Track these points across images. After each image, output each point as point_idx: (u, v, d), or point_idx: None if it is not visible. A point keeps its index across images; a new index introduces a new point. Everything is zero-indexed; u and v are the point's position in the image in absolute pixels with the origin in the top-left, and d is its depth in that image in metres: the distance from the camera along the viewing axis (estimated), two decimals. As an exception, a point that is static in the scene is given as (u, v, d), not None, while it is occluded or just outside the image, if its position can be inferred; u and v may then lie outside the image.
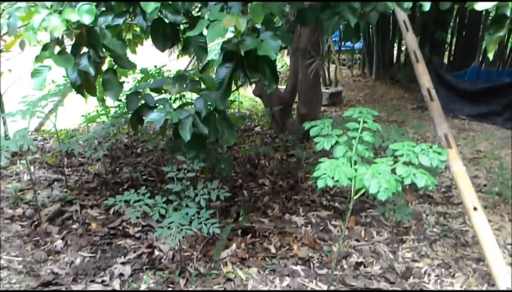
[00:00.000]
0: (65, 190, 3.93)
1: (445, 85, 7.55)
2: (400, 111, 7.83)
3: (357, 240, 3.12)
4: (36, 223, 3.31)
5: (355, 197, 2.06)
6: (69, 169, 4.53)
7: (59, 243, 3.07)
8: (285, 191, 3.97)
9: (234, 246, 3.01)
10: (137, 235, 3.20)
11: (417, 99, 8.33)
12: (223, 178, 3.72)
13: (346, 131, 2.27)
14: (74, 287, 2.55)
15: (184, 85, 2.64)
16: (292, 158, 4.90)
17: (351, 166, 2.01)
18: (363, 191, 2.00)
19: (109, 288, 2.58)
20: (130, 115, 3.67)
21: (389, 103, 8.50)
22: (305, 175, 4.35)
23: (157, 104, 2.77)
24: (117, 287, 2.59)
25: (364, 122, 2.25)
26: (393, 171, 1.98)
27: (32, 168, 4.50)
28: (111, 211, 3.59)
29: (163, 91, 2.79)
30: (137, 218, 2.50)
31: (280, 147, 5.15)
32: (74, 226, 3.33)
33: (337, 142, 2.15)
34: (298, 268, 2.79)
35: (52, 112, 3.94)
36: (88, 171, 4.52)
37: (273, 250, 3.00)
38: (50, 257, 2.93)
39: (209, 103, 2.59)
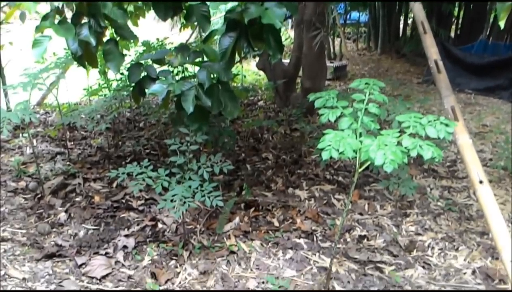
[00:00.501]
0: (67, 163, 3.93)
1: (452, 59, 7.45)
2: (405, 86, 7.77)
3: (361, 214, 3.11)
4: (39, 196, 3.31)
5: (360, 170, 2.03)
6: (72, 143, 4.52)
7: (62, 216, 3.07)
8: (288, 165, 3.95)
9: (237, 219, 3.00)
10: (140, 208, 3.19)
11: (423, 74, 8.25)
12: (226, 152, 3.70)
13: (351, 103, 2.23)
14: (78, 259, 2.56)
15: (187, 57, 2.59)
16: (295, 132, 4.87)
17: (356, 138, 1.98)
18: (368, 163, 1.97)
19: (113, 260, 2.58)
20: (132, 88, 3.65)
21: (394, 77, 8.42)
22: (308, 149, 4.32)
23: (159, 76, 2.73)
24: (121, 259, 2.60)
25: (370, 94, 2.20)
26: (399, 143, 1.94)
27: (34, 141, 4.49)
28: (114, 184, 3.59)
29: (165, 63, 2.73)
30: (140, 190, 2.49)
31: (283, 121, 5.12)
32: (77, 199, 3.33)
33: (342, 114, 2.11)
34: (301, 241, 2.78)
35: (54, 85, 3.90)
36: (90, 144, 4.50)
37: (276, 224, 2.99)
38: (54, 230, 2.93)
39: (212, 75, 2.55)
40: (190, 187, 2.42)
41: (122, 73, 4.06)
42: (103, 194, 3.42)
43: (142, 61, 2.84)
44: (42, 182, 3.45)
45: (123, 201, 3.31)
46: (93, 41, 2.48)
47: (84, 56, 2.64)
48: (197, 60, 2.60)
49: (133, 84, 2.77)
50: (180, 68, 3.23)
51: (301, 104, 5.15)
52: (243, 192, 3.34)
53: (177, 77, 2.82)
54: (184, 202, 2.29)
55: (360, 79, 2.27)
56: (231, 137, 3.42)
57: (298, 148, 4.38)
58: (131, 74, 2.72)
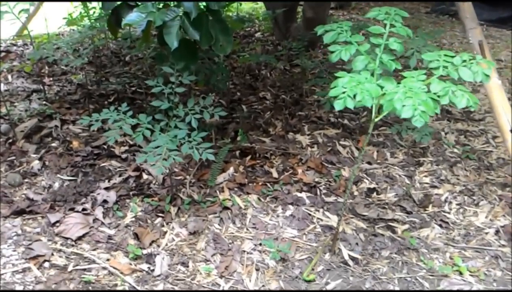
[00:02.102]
0: (44, 102, 3.55)
1: (463, -12, 6.88)
2: (413, 16, 7.26)
3: (369, 163, 2.80)
4: (11, 140, 2.97)
5: (377, 119, 1.69)
6: (50, 79, 4.12)
7: (35, 164, 2.74)
8: (288, 106, 3.59)
9: (231, 169, 2.68)
10: (124, 155, 2.86)
11: (432, 3, 7.74)
12: (220, 91, 3.33)
13: (367, 37, 1.85)
14: (51, 216, 2.26)
15: None
16: (296, 68, 4.46)
17: (374, 82, 1.61)
18: (386, 112, 1.62)
19: (91, 218, 2.28)
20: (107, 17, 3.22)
21: (400, 6, 7.87)
22: (310, 87, 3.95)
23: (138, 3, 2.30)
24: (100, 216, 2.30)
25: (392, 26, 1.81)
26: (427, 88, 1.59)
27: (9, 76, 4.08)
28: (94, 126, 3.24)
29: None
30: (116, 141, 2.15)
31: (283, 56, 4.69)
32: (53, 144, 2.99)
33: (357, 51, 1.73)
34: (303, 195, 2.48)
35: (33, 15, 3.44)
36: (71, 81, 4.10)
37: (275, 174, 2.68)
38: (26, 180, 2.61)
39: (200, 2, 2.13)
40: (175, 136, 2.08)
41: None
42: (83, 139, 3.08)
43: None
44: (15, 124, 3.10)
45: (105, 147, 2.97)
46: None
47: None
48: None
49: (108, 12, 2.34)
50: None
51: (302, 36, 4.71)
52: (238, 138, 3.01)
53: (160, 5, 2.39)
54: (169, 156, 1.95)
55: (379, 8, 1.87)
56: (224, 74, 3.03)
57: (299, 86, 4.00)
58: (106, 2, 2.29)
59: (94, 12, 3.72)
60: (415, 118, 1.38)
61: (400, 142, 3.03)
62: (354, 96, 1.48)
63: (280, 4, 5.12)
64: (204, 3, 2.13)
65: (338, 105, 1.45)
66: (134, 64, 4.38)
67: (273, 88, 4.02)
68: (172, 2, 2.37)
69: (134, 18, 2.04)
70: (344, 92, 1.47)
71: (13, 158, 2.81)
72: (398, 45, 1.76)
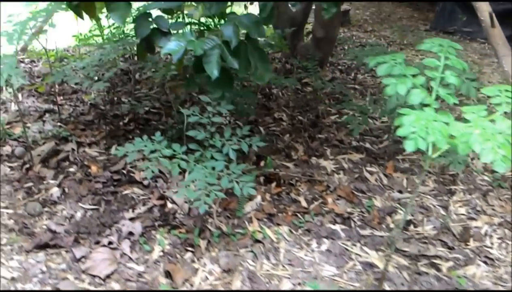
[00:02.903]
0: (58, 123, 3.44)
1: (463, 5, 6.93)
2: (413, 33, 7.27)
3: (400, 191, 2.72)
4: (28, 165, 2.85)
5: (435, 155, 1.60)
6: (61, 98, 4.01)
7: (55, 191, 2.63)
8: (306, 128, 3.51)
9: (258, 198, 2.59)
10: (145, 182, 2.76)
11: (430, 20, 7.78)
12: (245, 116, 3.25)
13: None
14: (76, 251, 2.14)
15: (210, 7, 2.08)
16: (307, 86, 4.39)
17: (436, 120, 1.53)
18: (442, 150, 1.53)
19: (118, 252, 2.17)
20: (129, 37, 3.14)
21: (398, 24, 7.90)
22: (326, 108, 3.88)
23: (170, 29, 2.23)
24: (127, 251, 2.19)
25: (446, 58, 1.74)
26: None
27: (20, 96, 3.97)
28: (112, 150, 3.13)
29: (180, 13, 2.23)
30: (142, 159, 2.05)
31: (291, 74, 4.63)
32: (71, 169, 2.88)
33: (413, 85, 1.65)
34: (337, 227, 2.39)
35: (41, 32, 3.34)
36: (82, 100, 4.00)
37: (304, 203, 2.59)
38: (46, 209, 2.50)
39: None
40: (213, 168, 1.98)
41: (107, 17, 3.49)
42: (101, 163, 2.97)
43: (149, 11, 2.31)
44: (30, 146, 2.98)
45: (124, 172, 2.87)
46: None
47: (81, 4, 2.12)
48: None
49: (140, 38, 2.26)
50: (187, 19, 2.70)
51: (312, 55, 4.66)
52: (263, 163, 2.91)
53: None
54: (210, 191, 1.85)
55: (432, 40, 1.80)
56: (252, 100, 2.94)
57: (314, 106, 3.94)
58: (139, 27, 2.21)
59: (111, 32, 3.63)
60: (497, 163, 1.30)
61: (428, 169, 2.95)
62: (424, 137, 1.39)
63: (288, 23, 5.06)
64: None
65: (409, 147, 1.37)
66: (144, 83, 4.29)
67: (287, 108, 3.95)
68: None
69: (173, 47, 1.95)
70: (413, 132, 1.38)
71: (31, 184, 2.70)
72: (455, 79, 1.69)
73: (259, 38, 2.08)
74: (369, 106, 3.32)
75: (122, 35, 3.62)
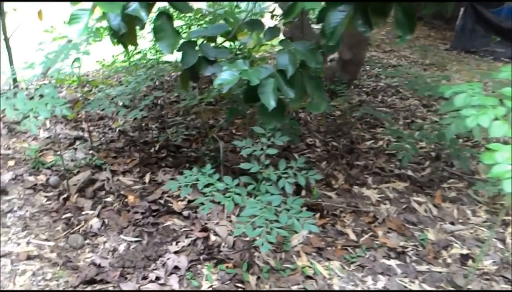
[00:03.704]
0: (90, 151, 3.39)
1: (484, 23, 6.88)
2: (434, 53, 7.20)
3: (452, 223, 2.62)
4: (65, 195, 2.79)
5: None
6: (89, 124, 3.97)
7: (95, 223, 2.56)
8: (343, 154, 3.43)
9: (304, 231, 2.50)
10: (185, 212, 2.69)
11: (449, 39, 7.72)
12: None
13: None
14: (124, 286, 2.07)
15: (263, 35, 2.03)
16: (335, 109, 4.31)
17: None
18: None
19: (167, 288, 2.09)
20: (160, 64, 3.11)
21: (417, 43, 7.83)
22: (360, 133, 3.80)
23: (217, 58, 2.18)
24: (176, 286, 2.11)
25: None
26: None
27: (47, 122, 3.93)
28: (147, 179, 3.07)
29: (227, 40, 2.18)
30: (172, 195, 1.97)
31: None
32: (108, 199, 2.82)
33: (495, 117, 1.57)
34: (392, 263, 2.29)
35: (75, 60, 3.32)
36: (110, 126, 3.96)
37: (352, 236, 2.50)
38: (87, 241, 2.43)
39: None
40: (270, 203, 1.91)
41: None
42: (137, 192, 2.91)
43: (194, 38, 2.26)
44: (65, 176, 2.93)
45: (162, 201, 2.80)
46: (144, 16, 1.91)
47: (127, 34, 2.08)
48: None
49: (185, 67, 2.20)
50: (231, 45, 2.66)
51: (339, 78, 4.61)
52: (303, 192, 2.84)
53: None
54: (271, 229, 1.77)
55: (509, 67, 1.73)
56: (295, 128, 2.87)
57: (346, 131, 3.86)
58: (186, 56, 2.16)
59: (144, 59, 3.60)
60: None
61: (476, 198, 2.86)
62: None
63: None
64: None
65: (509, 187, 1.29)
66: (170, 108, 4.24)
67: (319, 133, 3.87)
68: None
69: (227, 77, 1.89)
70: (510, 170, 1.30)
71: (69, 215, 2.64)
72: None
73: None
74: (404, 131, 3.24)
75: (152, 61, 3.58)
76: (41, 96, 2.45)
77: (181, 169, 3.19)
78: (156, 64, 3.36)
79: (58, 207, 2.70)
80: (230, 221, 2.60)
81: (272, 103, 1.89)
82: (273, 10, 4.52)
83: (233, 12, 3.86)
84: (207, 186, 1.95)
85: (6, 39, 4.20)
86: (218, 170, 2.97)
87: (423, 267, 2.26)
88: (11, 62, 4.30)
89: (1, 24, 4.07)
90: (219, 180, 1.99)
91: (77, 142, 3.57)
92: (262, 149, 2.03)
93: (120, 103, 3.35)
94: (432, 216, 2.67)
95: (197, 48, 2.21)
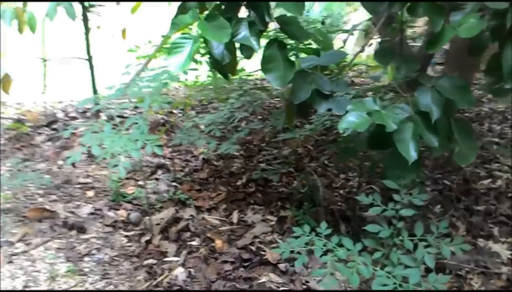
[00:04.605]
0: (173, 183, 3.13)
1: None
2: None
3: None
4: (148, 237, 2.52)
5: None
6: (170, 149, 3.73)
7: (180, 273, 2.26)
8: (458, 196, 2.94)
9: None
10: (281, 265, 2.33)
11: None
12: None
13: None
14: None
15: (403, 69, 1.65)
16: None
17: None
18: None
19: None
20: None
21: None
22: (474, 170, 3.29)
23: (333, 92, 1.81)
24: None
25: None
26: None
27: (127, 147, 3.73)
28: (234, 219, 2.76)
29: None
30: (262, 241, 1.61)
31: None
32: (193, 243, 2.52)
33: None
34: None
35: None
36: (193, 153, 3.69)
37: (488, 308, 2.03)
38: (172, 297, 2.13)
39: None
40: (405, 279, 1.50)
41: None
42: (224, 235, 2.60)
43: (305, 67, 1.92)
44: (147, 212, 2.67)
45: (253, 248, 2.47)
46: (255, 45, 1.59)
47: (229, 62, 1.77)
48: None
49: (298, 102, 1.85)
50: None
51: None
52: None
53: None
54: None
55: None
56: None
57: (456, 166, 3.35)
58: (298, 90, 1.81)
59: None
60: None
61: None
62: None
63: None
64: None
65: None
66: (255, 133, 3.93)
67: (424, 167, 3.39)
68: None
69: (354, 119, 1.52)
70: None
71: (152, 261, 2.36)
72: None
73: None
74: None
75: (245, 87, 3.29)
76: (127, 129, 2.21)
77: (272, 207, 2.86)
78: (249, 89, 3.05)
79: (140, 251, 2.43)
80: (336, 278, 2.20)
81: (413, 155, 1.49)
82: (367, 27, 4.11)
83: (324, 32, 3.49)
84: (325, 253, 1.58)
85: (90, 58, 4.08)
86: (317, 214, 2.60)
87: None
88: (93, 83, 4.18)
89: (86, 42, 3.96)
90: (339, 244, 1.61)
91: (159, 171, 3.32)
92: (395, 209, 1.63)
93: (204, 131, 3.07)
94: None
95: (309, 79, 1.85)
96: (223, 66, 1.84)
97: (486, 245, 2.47)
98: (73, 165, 3.52)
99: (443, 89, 1.55)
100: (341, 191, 3.09)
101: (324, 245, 1.60)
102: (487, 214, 2.77)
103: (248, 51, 1.76)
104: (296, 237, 1.67)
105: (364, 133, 1.67)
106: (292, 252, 1.64)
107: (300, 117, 2.00)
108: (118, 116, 2.37)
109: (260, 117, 3.84)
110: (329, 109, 1.83)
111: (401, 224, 1.62)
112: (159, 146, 2.01)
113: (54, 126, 4.24)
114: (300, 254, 1.59)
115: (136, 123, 2.23)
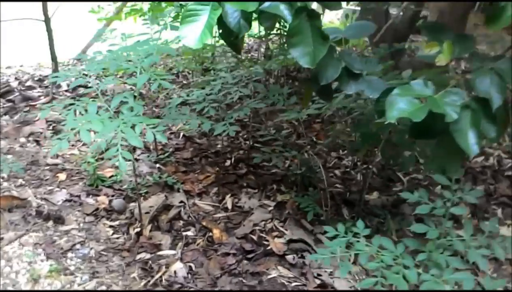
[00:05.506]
0: (157, 165, 2.86)
1: None
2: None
3: None
4: (138, 228, 2.27)
5: None
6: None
7: (179, 269, 2.03)
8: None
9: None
10: (288, 256, 2.15)
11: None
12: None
13: None
14: None
15: (462, 47, 1.45)
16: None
17: None
18: None
19: None
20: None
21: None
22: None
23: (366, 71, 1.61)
24: None
25: None
26: None
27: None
28: (228, 203, 2.55)
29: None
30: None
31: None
32: (188, 233, 2.29)
33: None
34: None
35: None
36: (170, 128, 3.41)
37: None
38: (177, 297, 1.91)
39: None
40: (457, 284, 1.35)
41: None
42: (220, 223, 2.38)
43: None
44: (128, 196, 2.42)
45: (254, 238, 2.27)
46: (287, 15, 1.35)
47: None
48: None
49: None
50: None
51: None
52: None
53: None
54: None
55: None
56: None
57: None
58: (326, 68, 1.58)
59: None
60: None
61: None
62: None
63: (390, 36, 4.37)
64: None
65: None
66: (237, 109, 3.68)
67: (483, 175, 3.20)
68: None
69: (404, 106, 1.32)
70: None
71: (146, 255, 2.12)
72: None
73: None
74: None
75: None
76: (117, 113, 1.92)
77: (267, 191, 2.66)
78: (240, 62, 2.78)
79: (130, 244, 2.18)
80: (349, 272, 2.05)
81: (475, 150, 1.32)
82: None
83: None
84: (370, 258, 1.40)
85: (47, 20, 3.68)
86: (320, 199, 2.42)
87: None
88: (52, 47, 3.79)
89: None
90: (380, 246, 1.43)
91: (138, 151, 3.03)
92: (445, 206, 1.47)
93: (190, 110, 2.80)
94: None
95: (337, 56, 1.63)
96: (236, 39, 1.58)
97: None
98: (37, 142, 3.18)
99: (501, 71, 1.38)
100: (336, 171, 2.93)
101: (364, 248, 1.42)
102: (488, 195, 2.68)
103: (268, 22, 1.51)
104: (331, 238, 1.47)
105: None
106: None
107: (323, 99, 1.78)
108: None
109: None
110: (358, 93, 1.63)
111: (450, 223, 1.46)
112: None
113: (10, 97, 3.84)
114: (342, 261, 1.39)
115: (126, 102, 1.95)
